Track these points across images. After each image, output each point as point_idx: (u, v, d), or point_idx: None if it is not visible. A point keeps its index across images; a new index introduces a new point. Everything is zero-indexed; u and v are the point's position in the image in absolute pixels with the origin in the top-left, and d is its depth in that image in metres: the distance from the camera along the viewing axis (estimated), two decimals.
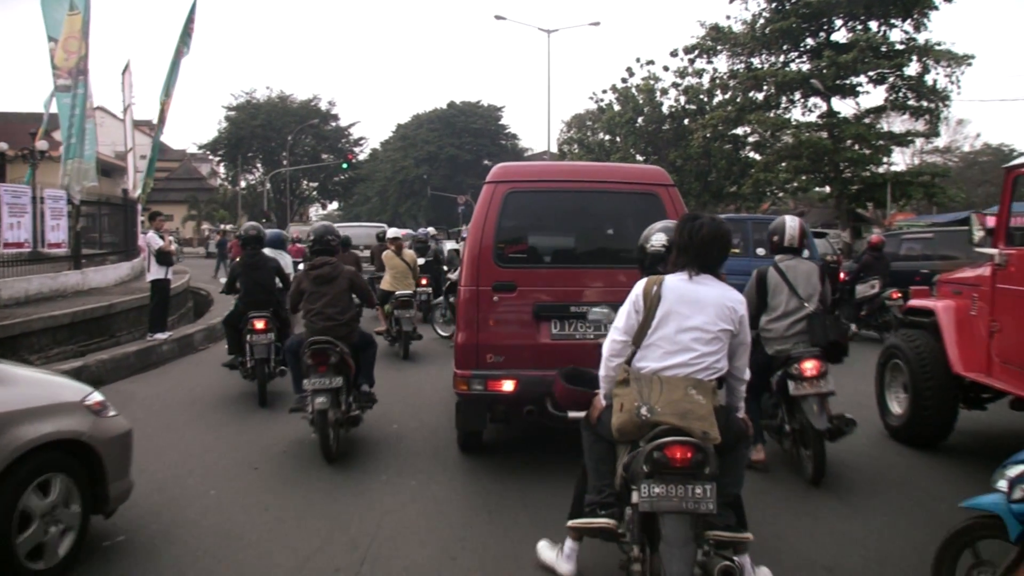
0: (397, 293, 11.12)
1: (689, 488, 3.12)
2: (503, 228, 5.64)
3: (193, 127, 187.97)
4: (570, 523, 3.69)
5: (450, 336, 11.42)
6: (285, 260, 10.02)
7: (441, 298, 13.05)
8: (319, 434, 6.04)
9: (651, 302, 3.43)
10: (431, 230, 18.91)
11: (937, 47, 30.60)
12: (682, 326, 3.39)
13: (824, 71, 30.68)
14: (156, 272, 11.26)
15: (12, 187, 12.57)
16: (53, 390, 4.28)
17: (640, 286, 3.52)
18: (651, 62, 41.38)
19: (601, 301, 5.34)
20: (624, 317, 3.53)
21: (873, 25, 31.98)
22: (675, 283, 3.47)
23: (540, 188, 5.92)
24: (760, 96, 35.25)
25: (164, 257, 11.09)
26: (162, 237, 11.11)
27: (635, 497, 3.19)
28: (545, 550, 4.07)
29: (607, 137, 45.27)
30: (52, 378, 4.62)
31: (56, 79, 13.59)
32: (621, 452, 3.46)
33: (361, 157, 68.93)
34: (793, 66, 34.43)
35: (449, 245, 22.37)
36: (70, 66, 13.05)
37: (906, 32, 31.83)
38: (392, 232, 12.87)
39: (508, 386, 5.40)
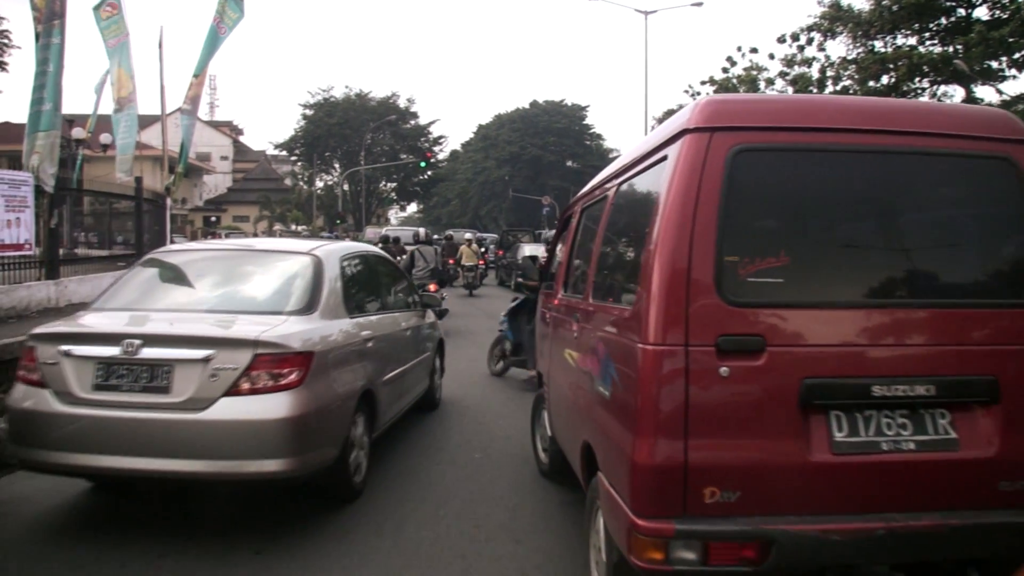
0: (464, 263, 23.59)
1: None
2: (733, 225, 2.87)
3: (273, 128, 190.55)
4: None
5: (501, 372, 10.06)
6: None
7: (503, 322, 9.84)
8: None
9: None
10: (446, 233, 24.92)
11: None
12: None
13: (971, 50, 26.63)
14: None
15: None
16: (431, 314, 8.42)
17: None
18: (755, 50, 37.72)
19: (940, 374, 2.83)
20: None
21: None
22: None
23: (799, 143, 3.03)
24: (880, 84, 31.43)
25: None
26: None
27: None
28: None
29: None
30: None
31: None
32: None
33: (440, 157, 67.56)
34: (921, 49, 30.60)
35: (528, 249, 21.45)
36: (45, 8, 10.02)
37: None
38: (468, 235, 21.14)
39: (751, 552, 2.71)
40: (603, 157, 61.89)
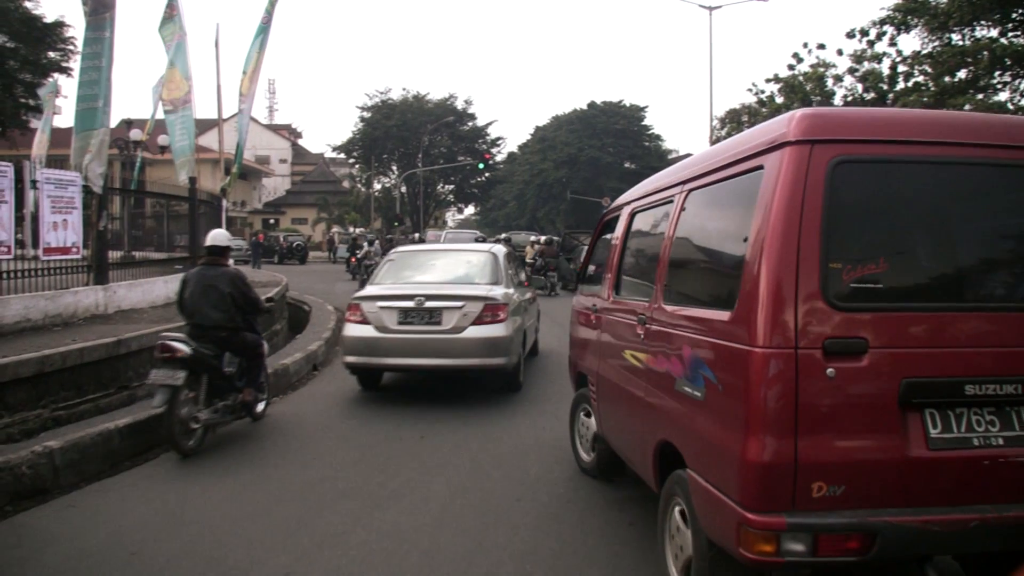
0: (528, 261, 23.61)
1: None
2: (836, 233, 3.11)
3: (332, 130, 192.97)
4: None
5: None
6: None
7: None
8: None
9: None
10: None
11: None
12: None
13: None
14: None
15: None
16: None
17: None
18: (822, 46, 36.72)
19: None
20: None
21: None
22: None
23: (896, 155, 3.27)
24: (957, 78, 29.99)
25: None
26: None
27: None
28: None
29: None
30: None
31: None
32: None
33: (498, 158, 67.15)
34: (1003, 40, 29.14)
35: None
36: None
37: None
38: (532, 236, 21.95)
39: (855, 544, 2.99)
40: (662, 158, 60.79)
